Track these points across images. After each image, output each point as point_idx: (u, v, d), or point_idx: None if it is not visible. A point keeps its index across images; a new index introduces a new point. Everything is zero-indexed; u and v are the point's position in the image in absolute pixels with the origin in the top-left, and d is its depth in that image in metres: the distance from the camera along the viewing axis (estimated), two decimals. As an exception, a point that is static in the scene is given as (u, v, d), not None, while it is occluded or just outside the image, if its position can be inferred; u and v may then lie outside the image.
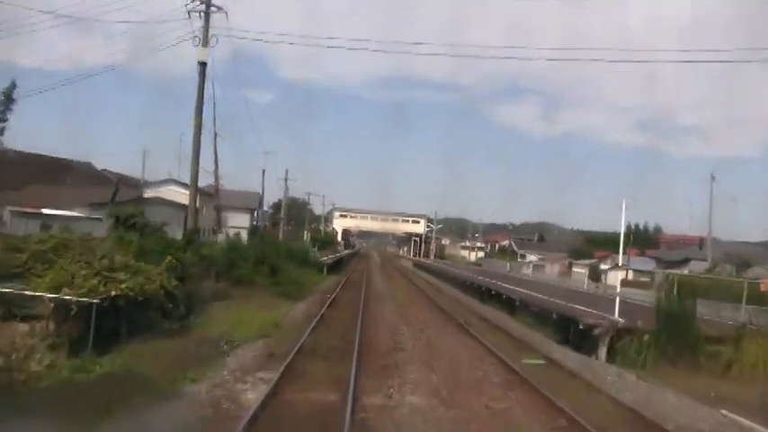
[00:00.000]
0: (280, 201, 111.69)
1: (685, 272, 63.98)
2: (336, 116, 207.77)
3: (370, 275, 52.72)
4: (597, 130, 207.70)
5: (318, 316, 21.42)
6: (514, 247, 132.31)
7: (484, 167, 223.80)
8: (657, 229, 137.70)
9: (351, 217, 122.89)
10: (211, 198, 72.86)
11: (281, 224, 56.04)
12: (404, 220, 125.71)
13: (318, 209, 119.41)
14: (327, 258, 52.75)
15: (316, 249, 52.67)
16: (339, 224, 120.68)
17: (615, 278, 78.41)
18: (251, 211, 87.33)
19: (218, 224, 31.21)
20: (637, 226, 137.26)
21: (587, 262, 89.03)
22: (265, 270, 28.37)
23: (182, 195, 65.13)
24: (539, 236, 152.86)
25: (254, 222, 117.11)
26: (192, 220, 28.66)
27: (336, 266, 55.70)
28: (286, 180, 53.58)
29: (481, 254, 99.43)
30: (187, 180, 63.08)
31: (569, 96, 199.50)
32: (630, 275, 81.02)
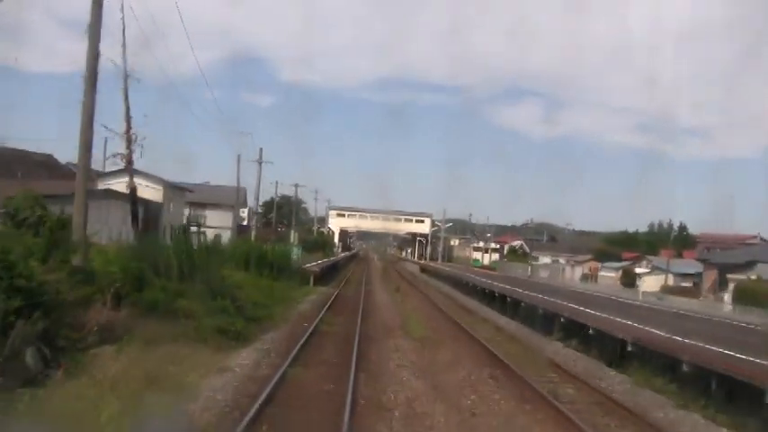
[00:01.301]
0: (272, 199, 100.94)
1: (753, 277, 53.24)
2: (335, 117, 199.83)
3: (370, 286, 41.72)
4: (601, 130, 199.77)
5: (264, 394, 10.38)
6: (526, 249, 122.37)
7: (486, 168, 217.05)
8: (683, 228, 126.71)
9: (349, 216, 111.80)
10: (182, 192, 61.96)
11: (254, 222, 44.80)
12: (407, 220, 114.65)
13: (314, 208, 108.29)
14: (316, 264, 41.74)
15: (300, 253, 41.60)
16: (336, 224, 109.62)
17: (653, 283, 67.63)
18: (234, 208, 76.43)
19: (135, 219, 20.08)
20: (660, 225, 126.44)
21: (617, 265, 78.17)
22: (200, 290, 17.33)
23: (142, 188, 54.30)
24: (549, 236, 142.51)
25: (244, 221, 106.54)
26: (81, 211, 17.58)
27: (328, 274, 44.74)
28: (260, 164, 42.39)
29: (495, 256, 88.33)
30: (149, 169, 51.58)
31: (574, 97, 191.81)
32: (671, 280, 70.28)
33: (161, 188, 53.53)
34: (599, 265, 71.88)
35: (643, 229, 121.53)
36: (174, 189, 56.18)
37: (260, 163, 41.90)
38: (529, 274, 73.06)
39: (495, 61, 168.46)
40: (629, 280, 70.89)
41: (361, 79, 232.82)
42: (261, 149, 41.95)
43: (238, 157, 43.79)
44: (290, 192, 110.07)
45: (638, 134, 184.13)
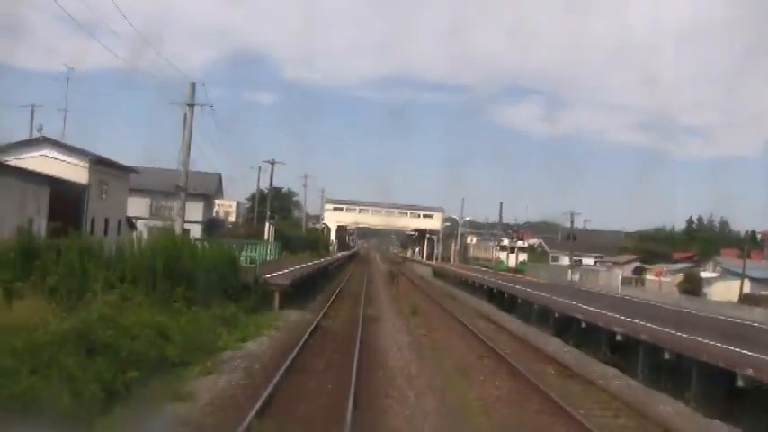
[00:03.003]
0: (260, 191, 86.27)
1: None
2: (337, 116, 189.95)
3: (372, 305, 27.53)
4: (604, 128, 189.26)
5: None
6: (545, 248, 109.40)
7: (487, 167, 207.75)
8: (724, 224, 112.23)
9: (347, 210, 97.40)
10: (123, 173, 47.70)
11: (178, 209, 30.06)
12: (413, 215, 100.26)
13: (312, 205, 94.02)
14: (290, 272, 27.49)
15: (272, 253, 27.29)
16: (332, 219, 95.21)
17: (725, 290, 53.28)
18: (206, 199, 62.20)
19: None
20: (700, 220, 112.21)
21: (675, 267, 63.69)
22: None
23: (60, 164, 40.23)
24: (568, 234, 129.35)
25: (231, 216, 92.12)
26: None
27: (312, 285, 30.62)
28: (192, 107, 27.23)
29: (523, 256, 74.07)
30: (73, 141, 38.30)
31: (575, 96, 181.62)
32: (747, 287, 56.02)
33: (86, 165, 39.25)
34: (663, 268, 57.44)
35: (657, 226, 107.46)
36: (108, 168, 41.85)
37: (191, 106, 27.15)
38: (569, 279, 58.92)
39: (495, 60, 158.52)
40: (693, 286, 56.72)
41: (362, 78, 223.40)
42: (193, 84, 26.95)
43: (185, 117, 28.95)
44: (282, 183, 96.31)
45: (643, 132, 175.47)
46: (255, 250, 26.37)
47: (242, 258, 23.75)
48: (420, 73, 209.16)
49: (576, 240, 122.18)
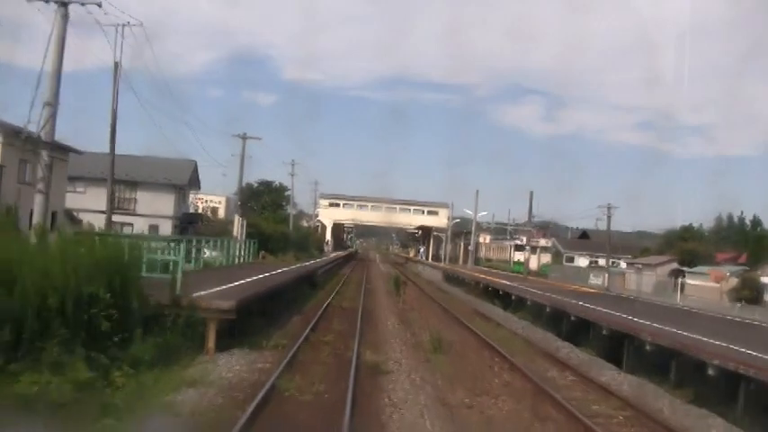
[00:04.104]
0: (248, 184, 77.10)
1: None
2: (338, 116, 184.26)
3: (371, 338, 18.45)
4: (608, 127, 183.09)
5: None
6: (559, 248, 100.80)
7: (490, 165, 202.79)
8: (757, 222, 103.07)
9: (345, 206, 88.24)
10: (60, 152, 38.56)
11: (42, 175, 20.46)
12: (416, 211, 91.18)
13: (308, 201, 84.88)
14: (250, 284, 18.52)
15: (228, 257, 18.27)
16: (327, 215, 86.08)
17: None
18: (178, 189, 52.97)
19: None
20: (730, 218, 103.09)
21: (734, 269, 54.47)
22: None
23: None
24: (581, 233, 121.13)
25: (217, 210, 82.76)
26: None
27: (287, 303, 21.66)
28: (62, 21, 18.00)
29: (546, 257, 65.00)
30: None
31: (578, 95, 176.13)
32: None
33: (-1, 139, 30.04)
34: (726, 272, 48.24)
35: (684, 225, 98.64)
36: (34, 144, 32.64)
37: (64, 5, 17.43)
38: (605, 284, 49.91)
39: (495, 60, 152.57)
40: (752, 293, 47.79)
41: (363, 78, 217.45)
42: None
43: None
44: (273, 176, 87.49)
45: (643, 132, 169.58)
46: (186, 250, 17.19)
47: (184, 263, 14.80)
48: (420, 73, 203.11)
49: (589, 240, 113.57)
